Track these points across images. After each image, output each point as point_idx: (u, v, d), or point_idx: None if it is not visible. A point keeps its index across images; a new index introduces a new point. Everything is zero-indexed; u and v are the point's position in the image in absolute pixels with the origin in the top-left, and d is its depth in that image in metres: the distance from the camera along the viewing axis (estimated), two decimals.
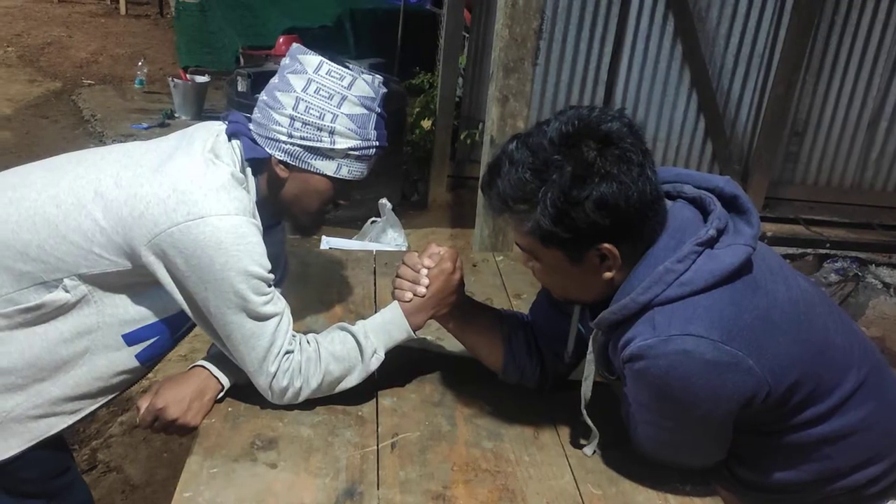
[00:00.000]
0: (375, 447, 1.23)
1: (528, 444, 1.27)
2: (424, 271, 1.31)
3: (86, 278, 1.22)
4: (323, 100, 1.24)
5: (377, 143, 1.29)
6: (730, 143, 4.71)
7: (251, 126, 1.29)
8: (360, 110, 1.26)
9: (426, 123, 4.89)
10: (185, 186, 1.17)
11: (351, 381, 1.29)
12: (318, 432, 1.25)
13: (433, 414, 1.33)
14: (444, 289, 1.31)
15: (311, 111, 1.24)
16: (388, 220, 3.75)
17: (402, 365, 1.44)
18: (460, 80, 4.75)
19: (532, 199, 1.04)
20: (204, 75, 5.89)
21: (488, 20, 4.38)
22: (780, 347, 1.06)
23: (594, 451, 1.26)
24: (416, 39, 6.16)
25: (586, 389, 1.21)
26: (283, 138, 1.25)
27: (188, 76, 5.77)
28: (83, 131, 5.41)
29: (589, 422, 1.23)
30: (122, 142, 5.54)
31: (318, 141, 1.25)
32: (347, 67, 1.27)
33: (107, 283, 1.23)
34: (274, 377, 1.23)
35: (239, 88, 4.15)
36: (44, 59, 7.26)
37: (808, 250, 4.34)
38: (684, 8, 4.41)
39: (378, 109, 1.29)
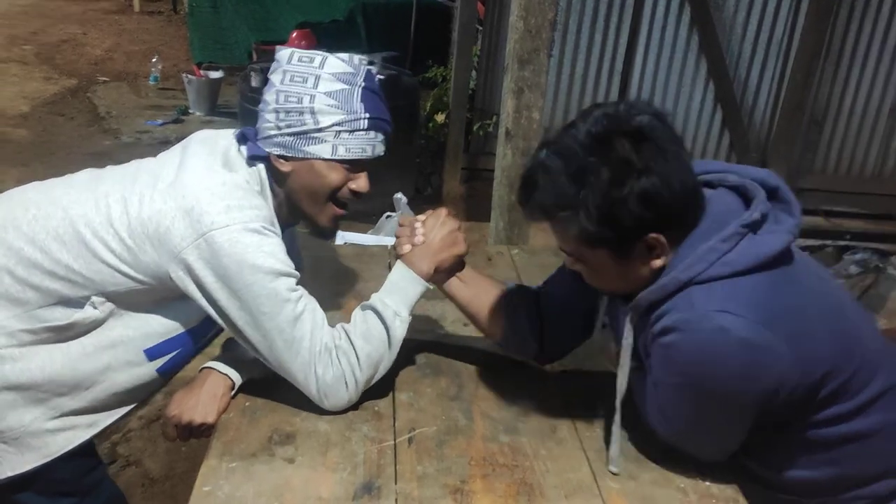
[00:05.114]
0: (393, 442, 1.22)
1: (546, 437, 1.26)
2: (418, 224, 1.35)
3: (111, 297, 1.23)
4: (297, 84, 1.26)
5: (367, 115, 1.27)
6: (747, 132, 4.66)
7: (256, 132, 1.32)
8: (340, 86, 1.26)
9: (440, 117, 4.87)
10: (206, 198, 1.19)
11: (387, 356, 1.27)
12: (336, 427, 1.25)
13: (450, 408, 1.32)
14: (441, 232, 1.33)
15: (289, 99, 1.26)
16: (403, 214, 3.74)
17: (418, 360, 1.45)
18: (473, 73, 4.73)
19: (574, 205, 1.04)
20: (217, 71, 5.91)
21: (502, 12, 4.35)
22: (814, 338, 1.06)
23: (619, 463, 1.19)
24: (429, 33, 6.14)
25: (621, 382, 1.18)
26: (274, 132, 1.27)
27: (202, 72, 5.80)
28: (98, 128, 5.44)
29: (617, 428, 1.18)
30: (137, 138, 5.56)
31: (301, 125, 1.26)
32: (335, 53, 1.29)
33: (133, 300, 1.25)
34: (321, 379, 1.22)
35: (252, 84, 4.15)
36: (59, 56, 7.31)
37: (828, 242, 4.28)
38: None
39: (362, 83, 1.28)
